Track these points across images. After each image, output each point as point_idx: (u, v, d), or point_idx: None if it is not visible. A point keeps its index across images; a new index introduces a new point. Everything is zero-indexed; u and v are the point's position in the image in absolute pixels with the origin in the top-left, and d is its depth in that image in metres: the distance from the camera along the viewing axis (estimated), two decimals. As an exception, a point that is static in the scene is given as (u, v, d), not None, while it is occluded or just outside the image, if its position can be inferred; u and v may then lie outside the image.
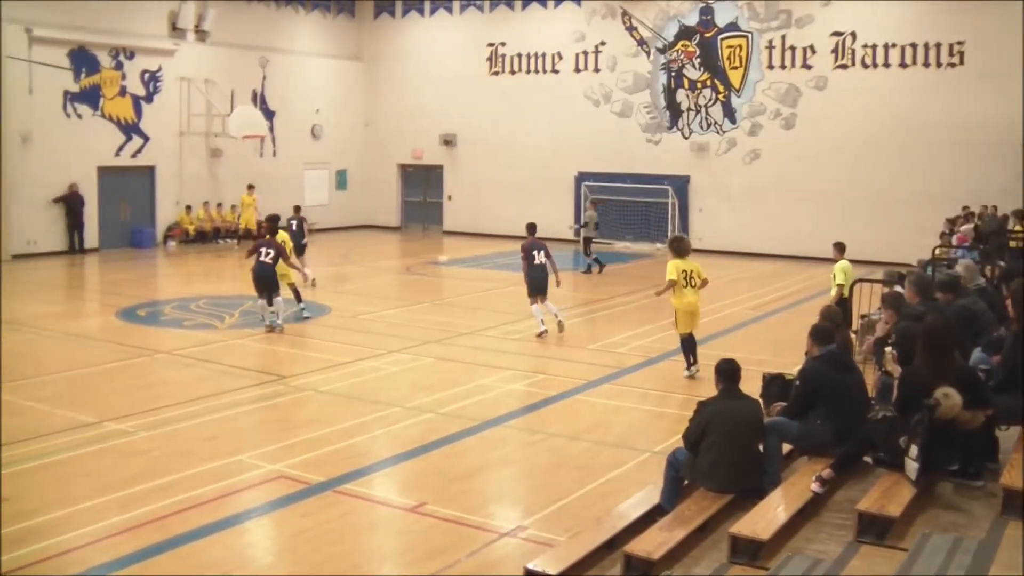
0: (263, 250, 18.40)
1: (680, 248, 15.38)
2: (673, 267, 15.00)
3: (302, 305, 19.71)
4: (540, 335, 18.04)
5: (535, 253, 18.27)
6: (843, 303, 16.13)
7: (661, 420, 13.29)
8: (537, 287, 18.24)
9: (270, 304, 18.44)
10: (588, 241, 27.82)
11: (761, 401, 9.48)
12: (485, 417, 13.06)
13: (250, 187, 32.30)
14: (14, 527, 9.09)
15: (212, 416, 12.96)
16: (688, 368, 15.29)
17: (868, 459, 8.59)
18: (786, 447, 9.22)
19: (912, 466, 7.78)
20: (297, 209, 25.35)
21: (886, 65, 29.71)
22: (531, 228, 18.99)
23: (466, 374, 15.58)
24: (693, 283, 15.16)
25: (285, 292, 19.18)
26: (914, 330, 9.16)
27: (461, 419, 12.95)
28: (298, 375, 15.21)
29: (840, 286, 16.52)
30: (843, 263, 16.78)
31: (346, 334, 18.38)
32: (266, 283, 18.34)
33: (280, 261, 18.69)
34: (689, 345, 15.28)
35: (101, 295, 23.69)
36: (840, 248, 17.24)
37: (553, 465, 11.28)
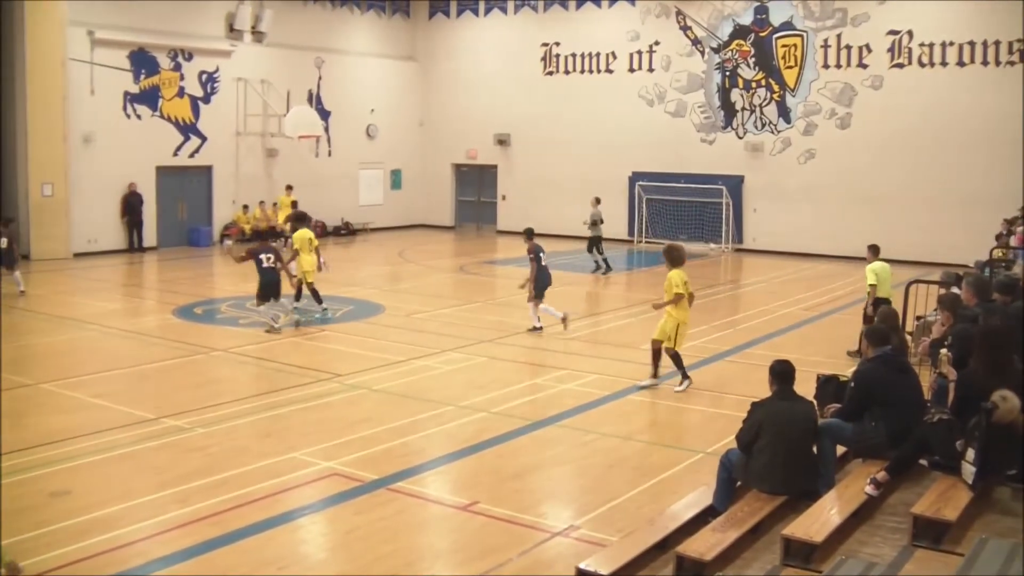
0: (263, 256, 18.21)
1: (678, 257, 14.64)
2: (679, 277, 14.36)
3: (295, 305, 19.66)
4: (535, 329, 18.54)
5: (542, 255, 18.78)
6: (882, 303, 15.98)
7: (714, 421, 13.23)
8: (545, 288, 18.68)
9: (297, 300, 18.73)
10: (596, 240, 27.21)
11: (815, 402, 9.44)
12: (538, 416, 13.10)
13: (288, 187, 32.57)
14: (78, 519, 9.30)
15: (267, 414, 13.12)
16: (684, 382, 14.55)
17: (924, 462, 8.52)
18: (840, 449, 9.16)
19: (969, 470, 7.71)
20: (294, 205, 25.66)
21: (943, 64, 29.31)
22: (531, 233, 19.52)
23: (519, 373, 15.63)
24: (691, 295, 14.68)
25: (287, 289, 19.50)
26: (971, 332, 9.08)
27: (514, 418, 12.99)
28: (352, 373, 15.33)
29: (872, 287, 16.48)
30: (875, 264, 16.72)
31: (400, 333, 18.49)
32: (275, 289, 18.27)
33: (299, 258, 19.31)
34: (679, 359, 14.58)
35: (159, 293, 24.02)
36: (874, 250, 17.07)
37: (606, 465, 11.29)
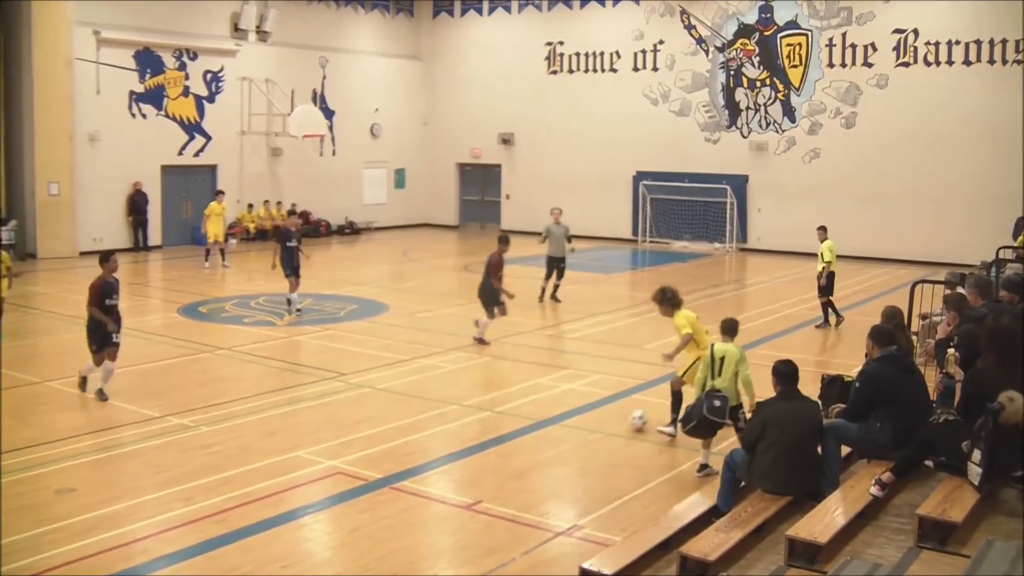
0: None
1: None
2: (684, 319, 12.03)
3: None
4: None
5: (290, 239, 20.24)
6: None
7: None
8: (289, 268, 19.91)
9: None
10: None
11: (820, 403, 9.42)
12: (542, 416, 13.08)
13: (219, 193, 28.16)
14: (83, 516, 9.32)
15: (271, 412, 13.12)
16: (672, 424, 12.25)
17: (929, 463, 8.50)
18: (845, 449, 9.14)
19: (975, 471, 7.68)
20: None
21: (949, 63, 29.24)
22: (298, 214, 21.53)
23: (523, 373, 15.60)
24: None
25: None
26: (977, 332, 9.05)
27: (518, 418, 12.99)
28: (356, 372, 15.32)
29: (828, 263, 19.00)
30: (829, 242, 19.34)
31: (404, 332, 18.48)
32: None
33: None
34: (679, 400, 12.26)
35: (164, 292, 24.04)
36: (824, 230, 19.82)
37: (610, 465, 11.28)
